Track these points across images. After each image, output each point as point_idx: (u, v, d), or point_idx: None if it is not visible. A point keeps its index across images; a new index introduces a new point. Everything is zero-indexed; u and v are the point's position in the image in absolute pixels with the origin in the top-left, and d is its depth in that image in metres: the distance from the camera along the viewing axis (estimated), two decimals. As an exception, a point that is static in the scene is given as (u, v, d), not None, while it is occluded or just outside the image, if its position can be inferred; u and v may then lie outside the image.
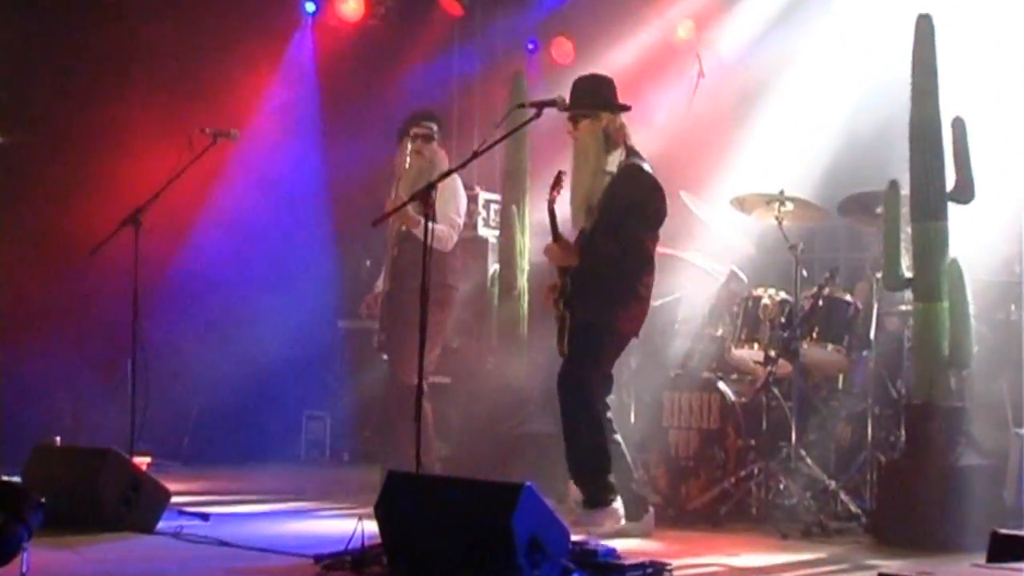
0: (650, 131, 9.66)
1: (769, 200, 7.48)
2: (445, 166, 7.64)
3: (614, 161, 6.60)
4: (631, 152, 6.62)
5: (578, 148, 6.66)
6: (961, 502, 6.33)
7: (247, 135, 8.48)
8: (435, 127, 7.97)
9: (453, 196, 7.92)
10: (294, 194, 10.57)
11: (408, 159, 7.87)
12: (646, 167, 6.60)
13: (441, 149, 7.98)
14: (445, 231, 7.83)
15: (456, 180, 7.80)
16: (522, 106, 6.43)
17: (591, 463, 6.60)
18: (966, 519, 6.25)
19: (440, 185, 7.35)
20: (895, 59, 7.05)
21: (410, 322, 7.26)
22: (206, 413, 10.24)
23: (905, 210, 6.73)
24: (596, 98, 6.63)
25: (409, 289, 7.43)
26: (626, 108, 6.71)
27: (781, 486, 7.17)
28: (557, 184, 6.56)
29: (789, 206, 7.46)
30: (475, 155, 6.16)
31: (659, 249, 8.39)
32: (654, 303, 8.27)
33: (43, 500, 4.90)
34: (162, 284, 9.66)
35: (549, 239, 6.75)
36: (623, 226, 6.50)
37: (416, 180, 7.59)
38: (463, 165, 6.27)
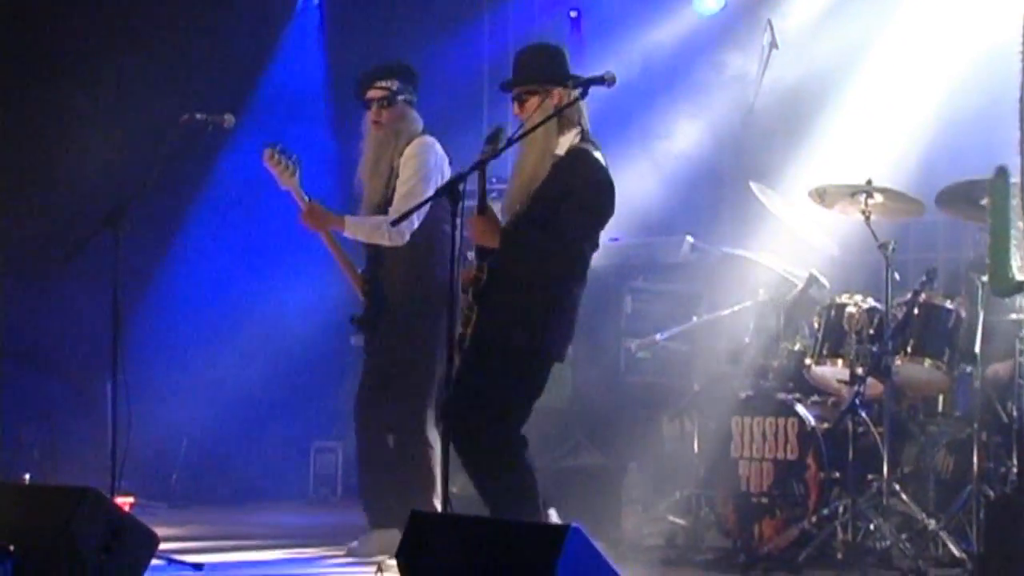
0: (712, 112, 9.71)
1: (854, 192, 7.46)
2: (417, 130, 7.41)
3: (566, 143, 6.40)
4: (585, 136, 6.44)
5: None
6: (1084, 544, 6.28)
7: (243, 121, 8.51)
8: (396, 84, 7.43)
9: (415, 172, 7.32)
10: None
11: (366, 136, 7.49)
12: (598, 155, 6.43)
13: (410, 110, 7.50)
14: (381, 226, 7.24)
15: (424, 148, 7.36)
16: (565, 85, 6.41)
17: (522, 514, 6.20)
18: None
19: (405, 155, 7.34)
20: (1001, 25, 7.01)
21: (401, 335, 7.27)
22: (198, 445, 10.29)
23: (1016, 201, 6.68)
24: (545, 72, 6.49)
25: (398, 289, 7.31)
26: (579, 82, 6.55)
27: (871, 526, 7.14)
28: (494, 139, 6.22)
29: (878, 198, 7.44)
30: (510, 142, 6.14)
31: (725, 250, 8.46)
32: (722, 313, 8.32)
33: (11, 548, 4.92)
34: (147, 294, 9.72)
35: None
36: (558, 219, 6.26)
37: (378, 157, 7.38)
38: (496, 155, 6.23)
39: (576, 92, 6.31)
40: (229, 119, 7.34)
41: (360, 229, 7.28)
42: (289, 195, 7.30)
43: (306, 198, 7.23)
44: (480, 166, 5.95)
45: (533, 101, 6.40)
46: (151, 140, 8.05)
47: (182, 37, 10.57)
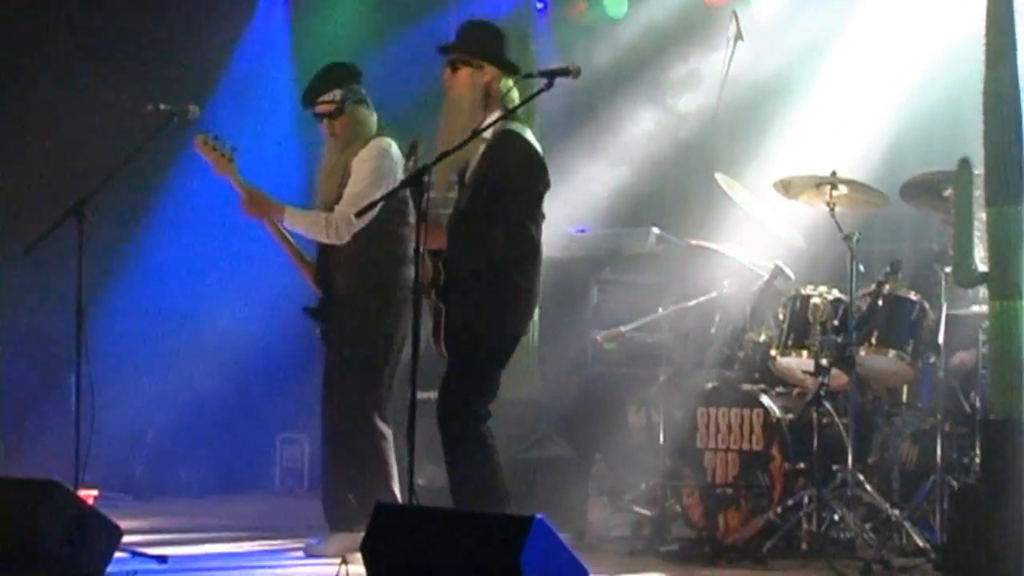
0: (678, 103, 9.72)
1: (819, 183, 7.48)
2: (372, 130, 7.34)
3: (489, 121, 6.39)
4: (511, 117, 6.45)
5: (451, 99, 6.50)
6: (1047, 534, 6.31)
7: (209, 112, 8.48)
8: (339, 94, 7.32)
9: (366, 175, 7.23)
10: (265, 180, 10.54)
11: (325, 140, 7.45)
12: (525, 133, 6.48)
13: (362, 109, 7.38)
14: (321, 221, 7.19)
15: (378, 152, 7.28)
16: (531, 76, 6.42)
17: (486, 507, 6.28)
18: (1052, 554, 6.24)
19: (358, 157, 7.31)
20: (965, 17, 7.03)
21: (351, 327, 7.25)
22: (163, 437, 10.26)
23: (979, 192, 6.71)
24: (486, 48, 6.52)
25: (348, 281, 7.25)
26: (514, 69, 6.59)
27: (836, 517, 7.17)
28: (413, 152, 6.24)
29: (842, 190, 7.46)
30: (475, 133, 6.15)
31: (691, 241, 8.47)
32: (687, 304, 8.33)
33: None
34: (112, 286, 9.68)
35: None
36: (497, 205, 6.35)
37: (334, 162, 7.33)
38: (460, 147, 6.23)
39: (509, 81, 6.45)
40: (194, 110, 7.30)
41: (300, 220, 7.22)
42: (227, 183, 7.25)
43: (244, 185, 7.18)
44: (415, 180, 5.88)
45: (464, 72, 6.47)
46: (116, 131, 8.04)
47: (148, 28, 10.52)
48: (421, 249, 5.78)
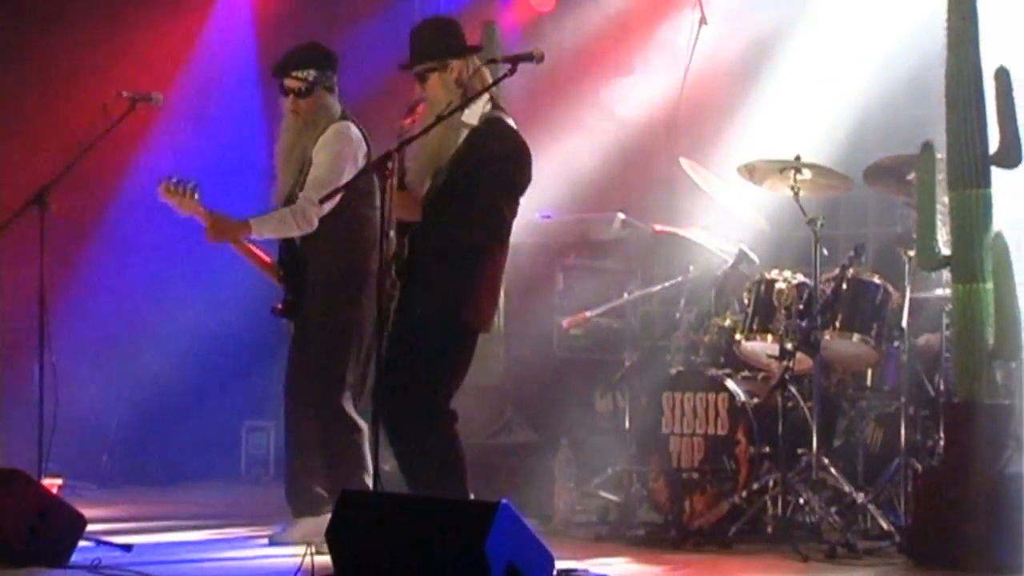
0: (643, 89, 9.73)
1: (783, 167, 7.49)
2: (335, 116, 7.26)
3: (475, 113, 6.36)
4: (496, 105, 6.42)
5: (430, 108, 6.51)
6: (1009, 515, 6.34)
7: (172, 99, 8.46)
8: (313, 74, 7.23)
9: (328, 160, 7.14)
10: (228, 167, 10.54)
11: (284, 119, 7.34)
12: (511, 122, 6.45)
13: (328, 96, 7.30)
14: (288, 217, 7.08)
15: (339, 137, 7.19)
16: (494, 61, 6.40)
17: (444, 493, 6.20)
18: (1015, 535, 6.28)
19: (319, 143, 7.28)
20: (929, 1, 7.05)
21: (321, 317, 7.21)
22: (128, 426, 10.23)
23: (941, 176, 6.75)
24: (440, 47, 6.45)
25: (316, 271, 7.18)
26: (476, 49, 6.57)
27: (801, 500, 7.20)
28: (413, 111, 6.21)
29: (806, 174, 7.48)
30: (439, 119, 6.13)
31: (657, 227, 8.48)
32: (653, 289, 8.35)
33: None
34: (74, 274, 9.64)
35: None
36: (477, 188, 6.25)
37: (292, 146, 7.25)
38: (425, 131, 6.22)
39: (475, 60, 6.42)
40: (157, 96, 7.25)
41: (267, 227, 7.12)
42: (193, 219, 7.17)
43: (208, 215, 7.09)
44: (379, 164, 5.83)
45: (433, 78, 6.41)
46: (78, 121, 7.99)
47: (111, 18, 10.45)
48: (385, 231, 5.76)
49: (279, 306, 7.27)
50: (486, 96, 6.39)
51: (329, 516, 6.81)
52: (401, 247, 6.30)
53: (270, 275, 7.31)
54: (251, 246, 7.25)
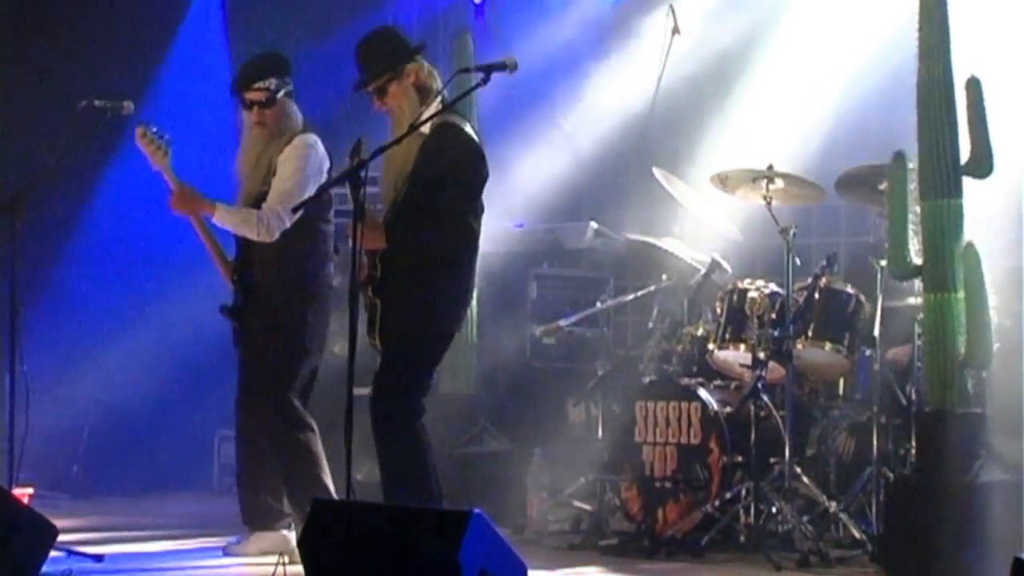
0: (616, 98, 9.74)
1: (755, 177, 7.52)
2: (298, 126, 7.23)
3: (427, 116, 6.35)
4: (446, 108, 6.41)
5: (395, 116, 6.50)
6: (981, 524, 6.37)
7: (143, 108, 8.43)
8: (273, 82, 7.19)
9: (293, 172, 7.11)
10: (202, 173, 10.50)
11: (246, 130, 7.32)
12: (460, 123, 6.45)
13: (290, 103, 7.27)
14: (252, 218, 7.05)
15: (304, 149, 7.16)
16: (467, 70, 6.40)
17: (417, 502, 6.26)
18: (986, 543, 6.30)
19: (284, 154, 7.27)
20: (900, 10, 7.08)
21: (270, 324, 7.19)
22: (100, 435, 10.19)
23: (913, 186, 6.77)
24: (388, 57, 6.47)
25: (268, 278, 7.15)
26: (421, 48, 6.59)
27: (773, 509, 7.21)
28: (356, 152, 6.04)
29: (779, 183, 7.50)
30: (412, 128, 6.13)
31: (629, 236, 8.50)
32: (626, 298, 8.36)
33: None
34: (46, 282, 9.61)
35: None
36: (437, 201, 6.31)
37: (259, 153, 7.21)
38: (397, 142, 6.22)
39: (423, 60, 6.48)
40: (128, 106, 7.23)
41: (231, 218, 7.10)
42: (161, 176, 7.17)
43: (178, 180, 7.11)
44: (352, 174, 5.78)
45: (393, 87, 6.43)
46: (51, 127, 7.97)
47: (83, 22, 10.44)
48: (359, 246, 5.75)
49: (228, 306, 7.26)
50: (437, 97, 6.44)
51: (285, 530, 6.88)
52: (373, 268, 6.36)
53: (224, 272, 7.29)
54: (214, 238, 7.23)
